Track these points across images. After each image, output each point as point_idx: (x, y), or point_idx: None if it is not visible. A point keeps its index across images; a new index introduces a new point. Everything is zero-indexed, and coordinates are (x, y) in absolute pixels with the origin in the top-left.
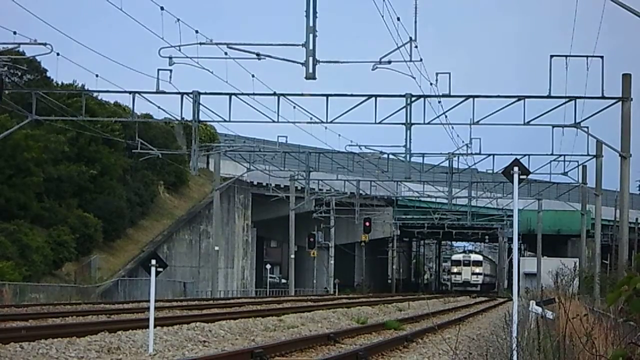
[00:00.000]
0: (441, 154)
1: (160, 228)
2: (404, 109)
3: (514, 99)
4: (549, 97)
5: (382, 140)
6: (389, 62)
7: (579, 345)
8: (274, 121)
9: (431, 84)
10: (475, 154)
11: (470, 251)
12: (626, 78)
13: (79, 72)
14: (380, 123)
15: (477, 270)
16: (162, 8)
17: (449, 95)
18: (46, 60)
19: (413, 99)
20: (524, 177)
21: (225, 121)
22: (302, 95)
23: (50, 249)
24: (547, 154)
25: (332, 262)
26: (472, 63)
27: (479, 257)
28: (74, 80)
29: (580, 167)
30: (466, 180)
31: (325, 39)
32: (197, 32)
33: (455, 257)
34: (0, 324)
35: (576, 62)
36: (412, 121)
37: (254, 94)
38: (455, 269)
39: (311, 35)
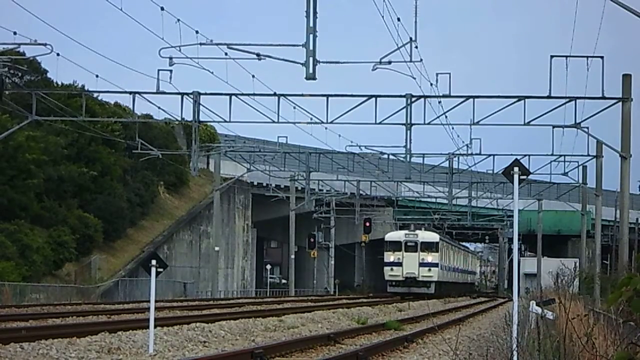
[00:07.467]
0: (441, 154)
1: (161, 228)
2: (404, 109)
3: (514, 99)
4: (549, 97)
5: (382, 141)
6: (389, 62)
7: (579, 345)
8: (274, 121)
9: (431, 84)
10: (476, 154)
11: (420, 228)
12: (626, 78)
13: (79, 73)
14: (380, 123)
15: (430, 258)
16: (162, 8)
17: (449, 96)
18: (46, 60)
19: (413, 99)
20: (524, 177)
21: (225, 121)
22: (302, 95)
23: (50, 249)
24: (547, 154)
25: (332, 262)
26: (472, 63)
27: (434, 237)
28: (74, 80)
29: (581, 167)
30: (466, 180)
31: (325, 40)
32: (197, 32)
33: (391, 236)
34: (1, 324)
35: (576, 62)
36: (412, 121)
37: (254, 95)
38: (391, 257)
39: (311, 36)
